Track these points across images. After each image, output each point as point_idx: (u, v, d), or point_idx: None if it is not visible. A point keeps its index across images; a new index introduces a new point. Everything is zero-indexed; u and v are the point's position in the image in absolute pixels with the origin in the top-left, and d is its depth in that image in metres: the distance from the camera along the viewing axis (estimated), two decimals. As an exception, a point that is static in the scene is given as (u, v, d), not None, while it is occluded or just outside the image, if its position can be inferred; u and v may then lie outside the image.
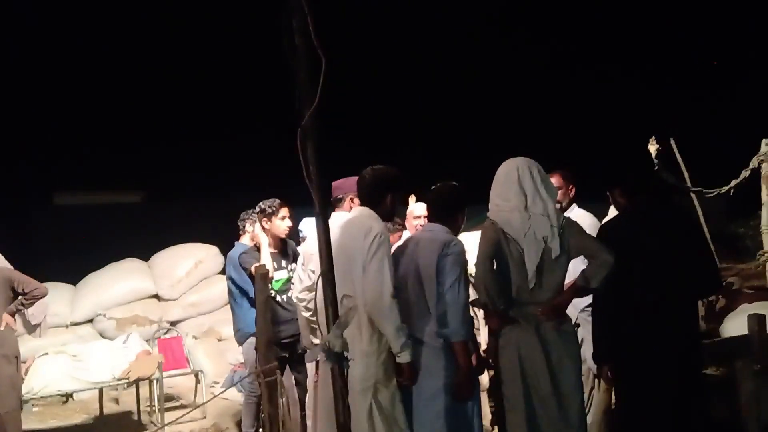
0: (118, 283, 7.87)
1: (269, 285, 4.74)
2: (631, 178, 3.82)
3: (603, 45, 11.13)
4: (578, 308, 4.34)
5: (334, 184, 4.20)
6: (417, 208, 5.06)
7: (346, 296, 3.36)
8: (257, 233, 5.04)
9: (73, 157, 9.82)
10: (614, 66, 11.25)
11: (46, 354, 6.15)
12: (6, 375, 5.17)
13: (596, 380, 4.53)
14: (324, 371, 3.54)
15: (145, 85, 9.76)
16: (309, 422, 4.19)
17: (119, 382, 6.26)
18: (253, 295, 4.53)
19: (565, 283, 3.62)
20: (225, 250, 5.87)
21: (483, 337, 4.40)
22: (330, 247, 2.88)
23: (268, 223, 4.99)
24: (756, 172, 5.91)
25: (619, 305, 3.57)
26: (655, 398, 3.52)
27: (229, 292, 5.34)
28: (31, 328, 5.66)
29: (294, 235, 5.19)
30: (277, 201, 5.00)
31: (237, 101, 10.23)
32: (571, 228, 3.59)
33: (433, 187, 3.83)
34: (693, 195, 6.65)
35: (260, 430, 5.06)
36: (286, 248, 5.11)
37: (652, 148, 6.17)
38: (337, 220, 3.79)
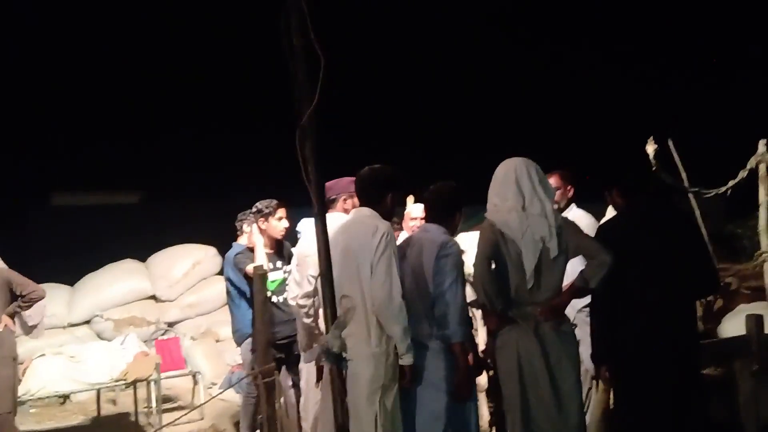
0: (116, 284, 7.86)
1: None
2: (630, 178, 3.82)
3: (602, 45, 11.13)
4: (576, 308, 4.33)
5: (327, 185, 4.12)
6: (414, 210, 5.04)
7: (345, 296, 3.35)
8: (253, 233, 5.03)
9: (70, 158, 9.79)
10: (613, 66, 11.24)
11: (44, 355, 6.13)
12: (3, 377, 5.15)
13: (594, 380, 4.52)
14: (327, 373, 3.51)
15: (142, 85, 9.73)
16: (304, 424, 4.17)
17: (117, 384, 6.24)
18: (251, 295, 4.52)
19: (563, 283, 3.62)
20: (223, 250, 5.86)
21: (481, 338, 4.39)
22: (328, 248, 2.88)
23: (265, 223, 4.98)
24: (754, 173, 5.92)
25: (617, 305, 3.56)
26: (654, 398, 3.52)
27: (228, 292, 5.33)
28: (29, 330, 5.64)
29: (292, 236, 5.18)
30: (275, 201, 5.00)
31: (235, 101, 10.19)
32: (569, 228, 3.59)
33: (431, 186, 3.83)
34: (691, 195, 6.64)
35: (258, 431, 5.05)
36: (281, 249, 5.10)
37: (650, 148, 6.17)
38: (332, 221, 3.76)
